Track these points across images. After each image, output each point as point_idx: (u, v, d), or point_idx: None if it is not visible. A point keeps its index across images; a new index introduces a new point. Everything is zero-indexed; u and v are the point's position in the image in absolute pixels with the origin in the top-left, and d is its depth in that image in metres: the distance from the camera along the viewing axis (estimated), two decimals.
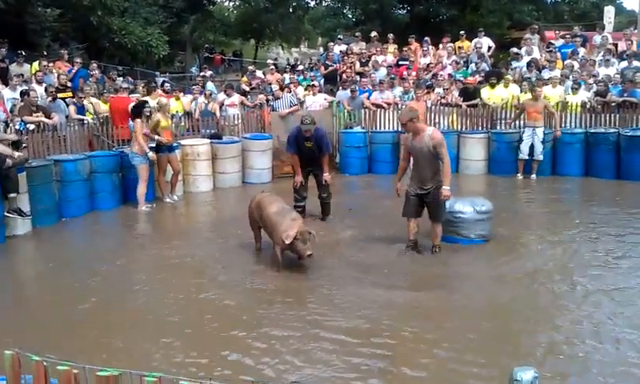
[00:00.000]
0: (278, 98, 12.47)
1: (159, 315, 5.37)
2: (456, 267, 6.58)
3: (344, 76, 15.29)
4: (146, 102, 9.94)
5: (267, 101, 12.85)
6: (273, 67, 16.67)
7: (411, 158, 6.99)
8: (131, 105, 10.63)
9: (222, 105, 12.53)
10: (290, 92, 13.53)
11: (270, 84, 14.14)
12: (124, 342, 4.84)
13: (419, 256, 6.86)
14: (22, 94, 10.63)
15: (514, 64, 14.66)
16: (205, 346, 4.73)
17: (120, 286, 6.17)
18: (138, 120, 9.17)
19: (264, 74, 16.10)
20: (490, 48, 16.32)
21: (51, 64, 13.27)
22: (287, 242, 6.05)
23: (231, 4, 35.23)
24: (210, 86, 13.95)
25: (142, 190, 9.25)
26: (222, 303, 5.61)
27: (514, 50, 15.36)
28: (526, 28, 24.53)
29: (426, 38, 16.58)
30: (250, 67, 17.31)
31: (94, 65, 13.80)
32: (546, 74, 13.30)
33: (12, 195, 7.70)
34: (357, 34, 18.93)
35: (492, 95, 12.62)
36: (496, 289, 5.93)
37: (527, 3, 28.18)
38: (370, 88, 13.52)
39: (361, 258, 6.85)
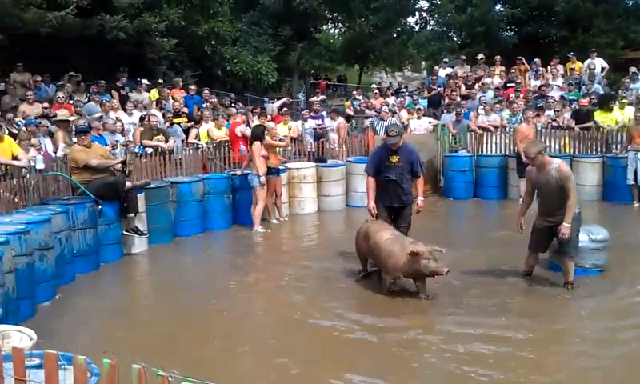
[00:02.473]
0: (383, 119, 12.47)
1: (275, 337, 5.47)
2: (574, 300, 6.29)
3: (447, 99, 15.11)
4: (265, 126, 10.24)
5: (371, 124, 12.87)
6: (377, 91, 16.76)
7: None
8: (239, 128, 11.04)
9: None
10: (394, 115, 13.54)
11: (375, 108, 14.20)
12: (242, 360, 4.97)
13: (532, 287, 6.60)
14: (142, 119, 11.27)
15: (632, 85, 13.97)
16: (321, 371, 4.77)
17: (238, 305, 6.35)
18: (257, 143, 9.43)
19: (368, 98, 16.22)
20: (603, 69, 15.67)
21: (168, 91, 13.99)
22: (421, 259, 5.96)
23: (336, 31, 35.80)
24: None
25: (258, 210, 9.49)
26: (334, 330, 5.61)
27: (633, 69, 14.64)
28: None
29: (536, 60, 16.12)
30: (354, 92, 17.49)
31: (207, 92, 14.41)
32: None
33: (130, 215, 8.15)
34: (462, 56, 18.70)
35: (606, 118, 12.08)
36: (616, 324, 5.61)
37: None
38: (472, 112, 13.24)
39: (471, 289, 6.62)
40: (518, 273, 6.88)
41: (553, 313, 5.98)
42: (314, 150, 12.11)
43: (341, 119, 13.10)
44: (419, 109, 13.43)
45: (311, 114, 13.33)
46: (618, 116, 12.08)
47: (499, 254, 7.70)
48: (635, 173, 10.54)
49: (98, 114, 11.21)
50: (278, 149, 10.33)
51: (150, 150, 10.23)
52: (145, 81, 14.02)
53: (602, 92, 14.03)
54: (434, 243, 7.57)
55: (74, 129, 9.51)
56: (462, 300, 6.22)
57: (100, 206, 7.75)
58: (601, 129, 11.96)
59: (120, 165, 8.31)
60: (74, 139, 9.86)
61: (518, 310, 6.00)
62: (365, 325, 5.67)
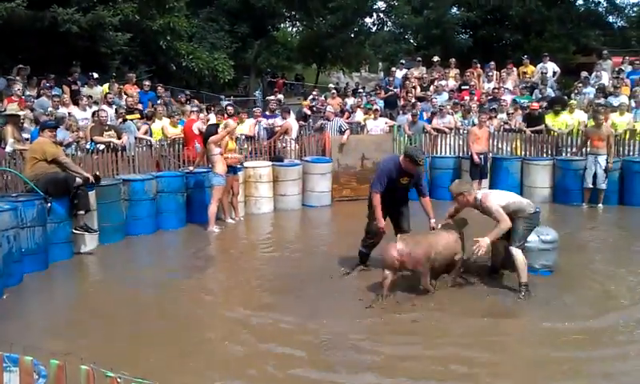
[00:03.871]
0: (329, 119, 12.53)
1: (230, 336, 5.41)
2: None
3: (403, 101, 15.28)
4: (218, 124, 10.15)
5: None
6: (334, 91, 16.83)
7: None
8: (196, 125, 10.99)
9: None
10: (349, 117, 13.68)
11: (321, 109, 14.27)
12: (192, 362, 4.89)
13: (491, 289, 6.62)
14: (94, 114, 11.05)
15: (584, 90, 14.37)
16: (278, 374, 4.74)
17: (188, 306, 6.26)
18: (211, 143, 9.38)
19: (325, 98, 16.27)
20: (555, 73, 16.09)
21: (121, 86, 13.76)
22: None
23: (294, 29, 35.79)
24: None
25: (213, 209, 9.41)
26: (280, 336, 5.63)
27: (585, 74, 15.07)
28: (592, 53, 24.10)
29: (491, 63, 16.43)
30: (314, 92, 17.51)
31: (160, 88, 14.23)
32: (614, 101, 12.97)
33: (80, 212, 7.94)
34: (418, 58, 18.92)
35: (556, 122, 12.39)
36: (560, 325, 5.74)
37: (594, 28, 27.61)
38: (425, 115, 13.42)
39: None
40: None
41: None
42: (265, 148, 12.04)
43: (289, 118, 12.92)
44: (376, 109, 13.53)
45: (266, 112, 13.29)
46: (567, 120, 12.41)
47: None
48: (594, 176, 10.81)
49: (49, 110, 10.97)
50: (235, 147, 10.25)
51: (101, 147, 10.04)
52: (95, 74, 13.74)
53: (554, 95, 14.39)
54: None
55: (38, 123, 9.25)
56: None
57: (49, 204, 7.56)
58: (551, 132, 12.26)
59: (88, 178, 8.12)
60: (24, 135, 9.66)
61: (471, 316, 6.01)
62: (316, 330, 5.55)
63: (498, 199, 6.52)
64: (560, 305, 6.11)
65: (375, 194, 6.80)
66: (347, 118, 13.85)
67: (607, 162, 10.69)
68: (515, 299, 6.24)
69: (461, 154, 12.22)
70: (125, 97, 12.99)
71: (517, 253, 6.43)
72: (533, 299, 6.23)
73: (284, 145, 12.22)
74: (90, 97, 12.41)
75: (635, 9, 29.75)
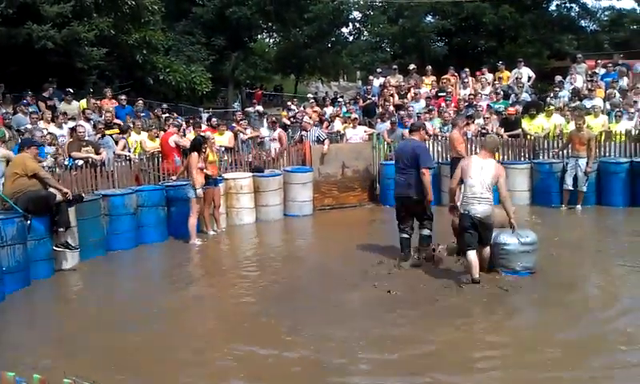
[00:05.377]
0: (306, 130, 12.55)
1: (217, 351, 5.40)
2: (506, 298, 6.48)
3: (381, 109, 15.35)
4: (204, 137, 10.12)
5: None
6: (313, 101, 16.87)
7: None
8: (172, 138, 10.96)
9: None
10: (328, 126, 13.73)
11: (311, 117, 14.29)
12: (177, 377, 4.87)
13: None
14: (72, 130, 10.96)
15: (560, 94, 14.56)
16: None
17: (171, 321, 6.21)
18: (195, 154, 9.33)
19: (304, 107, 16.31)
20: (530, 78, 16.26)
21: (98, 101, 13.67)
22: None
23: (271, 40, 35.92)
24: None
25: (193, 222, 9.35)
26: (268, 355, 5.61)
27: (559, 78, 15.29)
28: (566, 57, 24.47)
29: (465, 69, 16.58)
30: (290, 103, 17.55)
31: (140, 102, 14.17)
32: (587, 104, 13.16)
33: (60, 229, 7.88)
34: (394, 66, 19.05)
35: (532, 126, 12.54)
36: (543, 324, 5.82)
37: (567, 33, 28.05)
38: (403, 122, 13.50)
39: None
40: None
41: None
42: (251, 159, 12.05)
43: (279, 128, 13.09)
44: (355, 118, 13.58)
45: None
46: (544, 123, 12.55)
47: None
48: (574, 178, 10.95)
49: (28, 126, 10.87)
50: (215, 159, 10.23)
51: (80, 162, 9.97)
52: (71, 90, 13.64)
53: (529, 100, 14.55)
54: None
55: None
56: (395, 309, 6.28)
57: (29, 221, 7.48)
58: (528, 136, 12.40)
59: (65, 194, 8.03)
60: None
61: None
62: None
63: (468, 166, 7.00)
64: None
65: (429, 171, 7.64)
66: (326, 128, 13.89)
67: (587, 166, 10.82)
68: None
69: (440, 160, 12.29)
70: (103, 112, 12.90)
71: (467, 254, 6.86)
72: None
73: (272, 154, 12.26)
74: (65, 113, 12.31)
75: (607, 13, 30.34)
